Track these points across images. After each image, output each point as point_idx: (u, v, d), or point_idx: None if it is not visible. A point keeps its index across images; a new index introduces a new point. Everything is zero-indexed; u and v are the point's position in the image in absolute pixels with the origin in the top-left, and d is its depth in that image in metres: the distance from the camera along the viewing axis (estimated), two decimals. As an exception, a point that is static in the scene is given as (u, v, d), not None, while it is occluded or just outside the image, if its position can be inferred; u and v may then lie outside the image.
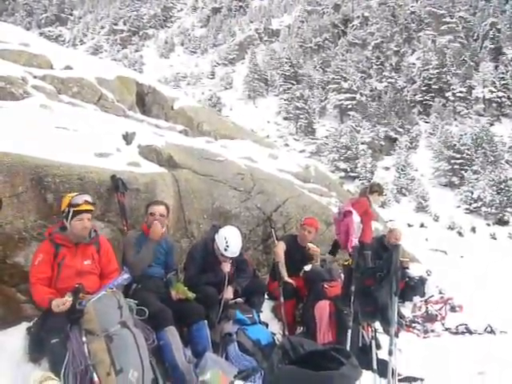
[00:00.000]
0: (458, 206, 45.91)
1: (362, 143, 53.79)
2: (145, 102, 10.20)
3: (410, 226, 39.65)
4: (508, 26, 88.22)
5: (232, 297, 4.66)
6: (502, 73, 73.99)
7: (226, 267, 4.62)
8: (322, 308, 4.49)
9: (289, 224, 6.65)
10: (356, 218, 5.13)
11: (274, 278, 5.61)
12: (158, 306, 3.99)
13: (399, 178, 48.30)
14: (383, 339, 5.11)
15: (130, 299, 3.90)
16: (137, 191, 4.96)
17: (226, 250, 4.51)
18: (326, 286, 4.75)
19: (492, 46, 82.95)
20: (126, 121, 7.09)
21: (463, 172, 49.74)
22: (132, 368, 3.30)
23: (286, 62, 76.99)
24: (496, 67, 76.59)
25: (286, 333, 4.99)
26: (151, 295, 4.14)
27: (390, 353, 3.15)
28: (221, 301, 4.52)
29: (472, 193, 45.34)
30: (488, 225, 43.26)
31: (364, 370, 3.98)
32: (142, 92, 10.17)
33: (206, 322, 4.23)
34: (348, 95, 64.92)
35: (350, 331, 3.49)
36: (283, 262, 5.47)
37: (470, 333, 6.01)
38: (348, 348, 3.53)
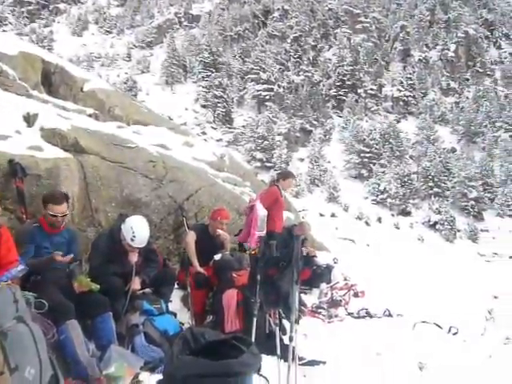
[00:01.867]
0: (366, 197, 48.42)
1: (279, 134, 54.74)
2: (51, 81, 9.57)
3: (321, 215, 41.22)
4: (416, 29, 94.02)
5: (139, 287, 4.54)
6: (410, 73, 78.94)
7: (133, 257, 4.49)
8: (230, 296, 4.54)
9: (201, 213, 6.62)
10: (261, 211, 5.24)
11: (185, 267, 5.58)
12: (58, 299, 3.79)
13: (313, 169, 49.91)
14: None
15: (28, 292, 3.67)
16: (38, 177, 4.67)
17: (132, 239, 4.38)
18: (234, 274, 4.81)
19: (401, 48, 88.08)
20: (28, 101, 6.60)
21: (371, 165, 52.50)
22: (29, 365, 3.09)
23: (205, 49, 76.09)
24: (404, 68, 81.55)
25: (193, 322, 5.00)
26: (51, 287, 3.92)
27: (291, 339, 3.26)
28: (127, 292, 4.41)
29: (379, 185, 48.01)
30: (392, 215, 46.11)
31: (270, 356, 4.11)
32: (48, 71, 9.51)
33: (110, 314, 4.10)
34: (266, 86, 65.63)
35: (255, 319, 3.56)
36: (194, 252, 5.45)
37: (371, 316, 6.38)
38: (253, 335, 3.60)
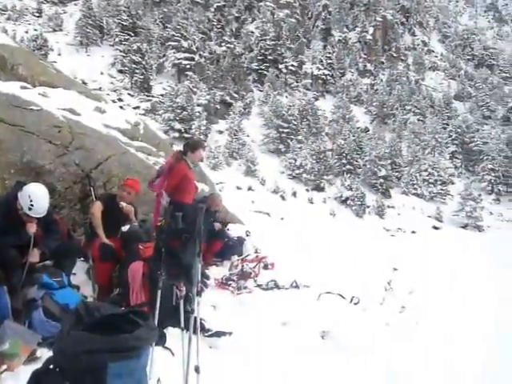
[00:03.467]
0: (283, 172, 49.35)
1: (198, 105, 53.76)
2: None
3: (238, 188, 41.57)
4: (337, 10, 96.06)
5: (38, 260, 4.29)
6: (329, 53, 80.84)
7: (32, 228, 4.21)
8: (136, 269, 4.44)
9: (110, 183, 6.37)
10: (165, 200, 5.24)
11: (91, 239, 5.36)
12: None
13: (231, 142, 49.83)
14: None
15: None
16: None
17: (30, 209, 4.10)
18: (140, 246, 4.69)
19: (323, 27, 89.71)
20: None
21: (289, 140, 53.43)
22: None
23: (124, 11, 72.23)
24: (324, 47, 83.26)
25: (97, 296, 4.85)
26: None
27: (192, 311, 3.25)
28: (24, 264, 4.15)
29: (295, 160, 49.07)
30: (307, 190, 47.47)
31: (177, 328, 4.09)
32: None
33: (5, 288, 3.85)
34: (187, 55, 63.93)
35: (159, 291, 3.50)
36: (100, 223, 5.24)
37: (278, 288, 6.54)
38: (158, 308, 3.55)
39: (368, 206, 46.75)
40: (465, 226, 49.00)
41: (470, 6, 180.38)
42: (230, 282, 6.36)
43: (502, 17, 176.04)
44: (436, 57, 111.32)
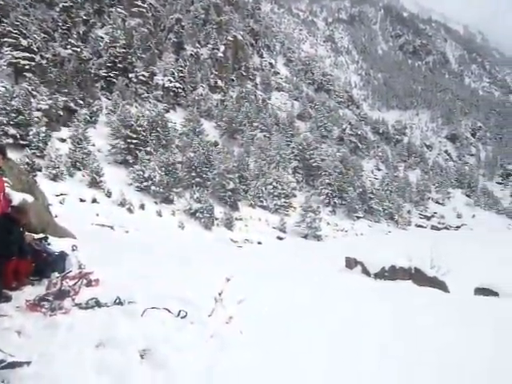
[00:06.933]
0: (130, 184, 47.64)
1: (38, 110, 49.30)
2: None
3: (82, 200, 39.10)
4: (190, 25, 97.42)
5: None
6: (181, 66, 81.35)
7: None
8: None
9: None
10: None
11: None
12: None
13: (75, 151, 46.50)
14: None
15: None
16: None
17: None
18: None
19: (175, 40, 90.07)
20: None
21: (137, 152, 51.89)
22: None
23: None
24: (176, 60, 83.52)
25: None
26: None
27: None
28: None
29: (144, 172, 47.79)
30: (155, 203, 46.55)
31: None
32: None
33: None
34: (26, 54, 58.41)
35: None
36: None
37: (100, 306, 6.04)
38: None
39: (217, 218, 47.57)
40: (305, 236, 52.76)
41: (311, 36, 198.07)
42: (43, 303, 5.69)
43: (338, 48, 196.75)
44: (281, 78, 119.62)
